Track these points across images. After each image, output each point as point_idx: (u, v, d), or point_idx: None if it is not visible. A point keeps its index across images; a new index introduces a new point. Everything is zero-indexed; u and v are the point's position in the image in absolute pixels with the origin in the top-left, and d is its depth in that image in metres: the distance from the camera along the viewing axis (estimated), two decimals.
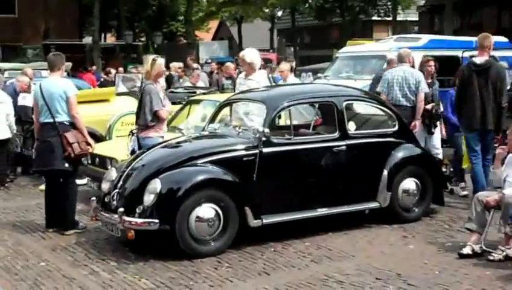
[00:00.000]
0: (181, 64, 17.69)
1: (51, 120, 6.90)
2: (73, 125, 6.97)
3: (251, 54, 8.09)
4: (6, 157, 10.01)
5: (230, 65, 12.01)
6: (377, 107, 7.41)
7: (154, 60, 7.35)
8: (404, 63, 8.53)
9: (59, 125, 6.88)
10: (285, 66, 11.35)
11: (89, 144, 7.07)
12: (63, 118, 6.91)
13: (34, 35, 33.75)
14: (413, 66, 8.80)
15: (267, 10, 45.10)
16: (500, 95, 7.51)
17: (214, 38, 53.51)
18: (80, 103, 10.60)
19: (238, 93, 7.81)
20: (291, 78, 10.83)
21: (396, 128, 7.25)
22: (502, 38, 14.11)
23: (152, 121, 7.17)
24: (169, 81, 16.20)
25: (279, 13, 46.07)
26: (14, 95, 10.03)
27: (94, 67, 26.20)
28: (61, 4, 35.27)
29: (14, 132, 9.94)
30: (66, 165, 6.89)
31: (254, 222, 6.20)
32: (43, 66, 18.66)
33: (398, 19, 36.90)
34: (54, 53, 7.36)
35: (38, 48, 31.70)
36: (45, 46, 31.75)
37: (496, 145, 7.40)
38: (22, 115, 10.40)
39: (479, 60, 7.57)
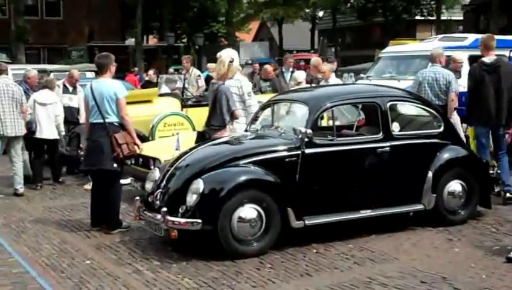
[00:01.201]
0: (214, 65, 17.76)
1: (101, 121, 7.00)
2: (122, 126, 7.06)
3: (231, 55, 7.76)
4: (58, 156, 10.24)
5: (268, 67, 11.89)
6: (422, 108, 7.30)
7: (231, 61, 7.53)
8: (435, 64, 8.84)
9: (109, 126, 6.98)
10: (326, 66, 11.27)
11: (136, 145, 7.16)
12: (112, 118, 7.01)
13: (79, 37, 34.40)
14: (445, 66, 9.03)
15: (308, 10, 44.95)
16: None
17: (254, 40, 53.61)
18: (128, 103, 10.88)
19: (281, 93, 7.79)
20: (332, 78, 10.76)
21: (441, 129, 7.13)
22: None
23: (230, 121, 7.29)
24: (209, 82, 16.28)
25: (320, 13, 45.82)
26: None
27: (136, 69, 26.54)
28: (104, 6, 35.87)
29: (62, 133, 10.14)
30: (115, 165, 6.99)
31: (296, 223, 6.17)
32: (87, 67, 19.05)
33: (442, 18, 36.35)
34: (102, 54, 7.41)
35: (83, 50, 32.28)
36: (89, 48, 32.33)
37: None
38: (68, 116, 10.60)
39: (488, 59, 7.96)
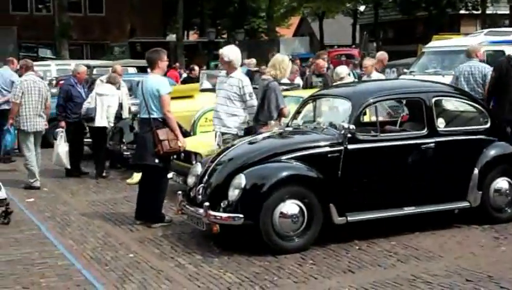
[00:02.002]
0: (254, 61, 17.76)
1: (147, 116, 7.10)
2: (166, 122, 7.10)
3: (230, 53, 7.71)
4: (105, 148, 10.42)
5: (321, 62, 11.66)
6: (468, 104, 7.15)
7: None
8: (472, 58, 8.94)
9: (153, 122, 7.05)
10: (369, 61, 11.15)
11: (178, 141, 7.17)
12: (156, 114, 7.08)
13: (120, 33, 34.79)
14: (483, 61, 9.19)
15: (349, 5, 44.55)
16: None
17: (294, 35, 53.45)
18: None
19: (323, 89, 7.73)
20: (374, 73, 10.64)
21: (488, 125, 6.98)
22: None
23: (277, 118, 7.32)
24: (251, 77, 16.29)
25: (362, 8, 45.35)
26: (72, 88, 10.40)
27: (178, 64, 26.72)
28: (146, 3, 36.19)
29: (111, 124, 10.29)
30: (156, 160, 7.05)
31: (338, 219, 6.13)
32: (129, 63, 19.27)
33: (487, 12, 35.58)
34: (152, 49, 7.44)
35: (125, 46, 32.67)
36: (131, 44, 32.72)
37: None
38: None
39: None
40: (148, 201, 7.22)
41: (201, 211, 6.12)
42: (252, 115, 7.59)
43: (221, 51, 7.83)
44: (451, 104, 7.34)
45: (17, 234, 6.96)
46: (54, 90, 15.81)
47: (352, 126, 6.20)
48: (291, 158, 6.19)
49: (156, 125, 7.04)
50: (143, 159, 7.13)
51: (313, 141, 6.39)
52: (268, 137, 6.87)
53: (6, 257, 6.12)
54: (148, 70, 7.74)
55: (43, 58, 30.65)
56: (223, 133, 7.66)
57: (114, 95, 10.40)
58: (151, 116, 7.06)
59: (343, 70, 10.40)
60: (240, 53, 7.76)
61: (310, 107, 7.28)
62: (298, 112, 7.29)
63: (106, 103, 10.19)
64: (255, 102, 7.61)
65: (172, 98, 10.87)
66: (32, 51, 34.42)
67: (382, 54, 11.57)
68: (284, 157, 6.20)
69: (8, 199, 7.20)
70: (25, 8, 36.36)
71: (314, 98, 7.31)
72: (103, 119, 10.16)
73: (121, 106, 11.04)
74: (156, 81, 7.16)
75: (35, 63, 21.68)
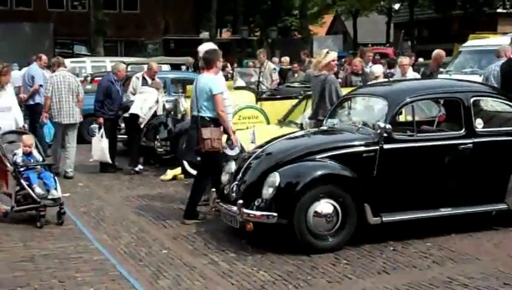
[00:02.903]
0: (287, 59, 17.72)
1: (196, 114, 7.20)
2: (215, 122, 7.11)
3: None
4: (139, 142, 10.55)
5: (357, 61, 11.54)
6: (506, 104, 7.01)
7: (328, 52, 7.79)
8: (501, 58, 9.03)
9: (200, 120, 7.12)
10: (405, 59, 11.01)
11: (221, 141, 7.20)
12: (205, 113, 7.13)
13: (154, 30, 35.04)
14: None
15: (383, 3, 44.17)
16: None
17: (328, 33, 53.19)
18: None
19: (358, 88, 7.67)
20: (410, 72, 10.51)
21: None
22: None
23: None
24: (284, 75, 16.27)
25: (397, 6, 44.90)
26: (111, 85, 10.53)
27: None
28: (180, 0, 36.39)
29: (143, 116, 10.38)
30: (198, 158, 7.09)
31: (373, 220, 6.07)
32: (163, 60, 19.40)
33: None
34: (210, 49, 7.54)
35: (158, 43, 32.92)
36: (164, 42, 32.96)
37: None
38: None
39: None
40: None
41: (235, 208, 6.13)
42: (230, 114, 7.55)
43: (198, 48, 7.90)
44: (490, 104, 7.22)
45: (53, 228, 7.05)
46: (89, 87, 16.05)
47: (388, 126, 6.13)
48: (326, 157, 6.15)
49: (203, 123, 7.07)
50: (186, 156, 7.23)
51: (348, 140, 6.34)
52: (303, 136, 6.85)
53: (42, 251, 6.21)
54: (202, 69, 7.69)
55: (78, 55, 31.11)
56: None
57: (152, 93, 10.57)
58: (200, 114, 7.12)
59: (378, 69, 10.32)
60: (219, 53, 7.64)
61: (345, 106, 7.22)
62: (333, 110, 7.23)
63: (144, 97, 10.39)
64: (227, 102, 7.38)
65: None
66: (68, 48, 34.94)
67: (438, 53, 11.11)
68: (318, 156, 6.17)
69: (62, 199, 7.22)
70: (61, 5, 36.89)
71: (349, 97, 7.25)
72: (136, 108, 10.30)
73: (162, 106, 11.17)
74: (210, 80, 7.17)
75: (70, 59, 22.10)
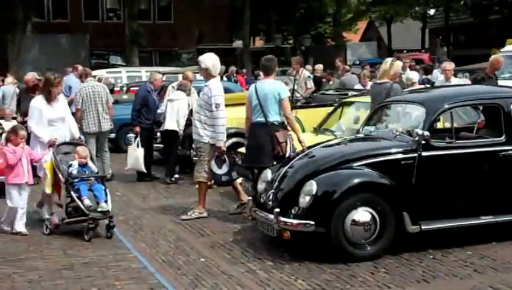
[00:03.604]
0: (321, 66, 17.67)
1: (263, 120, 7.30)
2: (282, 126, 7.34)
3: (207, 60, 7.79)
4: (176, 153, 10.59)
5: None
6: None
7: (393, 60, 7.96)
8: None
9: (270, 125, 7.26)
10: (449, 65, 10.86)
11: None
12: (274, 118, 7.31)
13: (188, 40, 35.32)
14: None
15: (418, 9, 43.72)
16: None
17: (362, 40, 52.91)
18: (231, 105, 11.06)
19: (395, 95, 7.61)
20: (453, 79, 10.38)
21: None
22: None
23: None
24: (318, 83, 16.22)
25: (432, 11, 44.39)
26: (148, 94, 10.65)
27: (244, 70, 26.91)
28: (214, 9, 36.67)
29: (181, 128, 10.47)
30: (275, 163, 7.18)
31: (412, 228, 6.01)
32: (197, 69, 19.50)
33: None
34: (268, 57, 7.80)
35: (192, 52, 33.15)
36: (198, 51, 33.17)
37: None
38: None
39: None
40: None
41: (271, 217, 6.13)
42: (220, 126, 7.60)
43: (199, 58, 7.98)
44: None
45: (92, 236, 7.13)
46: (125, 97, 16.27)
47: (426, 133, 6.06)
48: (363, 165, 6.12)
49: (274, 128, 7.25)
50: (260, 162, 7.29)
51: (386, 147, 6.29)
52: (339, 143, 6.82)
53: (82, 259, 6.29)
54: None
55: (113, 66, 31.50)
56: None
57: (183, 99, 10.57)
58: (268, 119, 7.28)
59: (414, 75, 10.20)
60: (218, 61, 7.80)
61: (381, 113, 7.17)
62: (370, 118, 7.19)
63: (176, 107, 10.38)
64: (221, 114, 7.62)
65: (241, 104, 11.07)
66: (103, 58, 35.41)
67: (495, 58, 10.79)
68: (355, 164, 6.14)
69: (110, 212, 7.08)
70: (97, 17, 37.45)
71: (386, 104, 7.20)
72: (172, 123, 10.34)
73: (191, 112, 11.19)
74: (276, 85, 7.41)
75: (106, 70, 22.40)
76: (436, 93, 7.16)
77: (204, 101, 7.71)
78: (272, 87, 7.37)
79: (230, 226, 7.48)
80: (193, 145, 10.74)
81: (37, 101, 7.72)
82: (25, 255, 6.48)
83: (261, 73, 18.67)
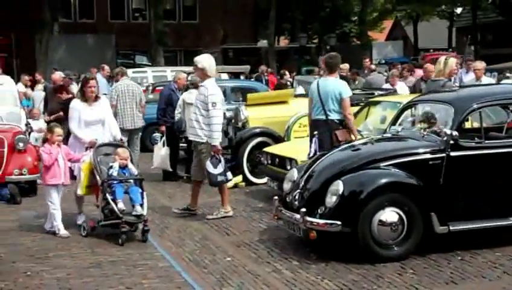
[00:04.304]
0: (347, 66, 17.52)
1: (323, 117, 7.39)
2: (342, 124, 7.41)
3: (203, 60, 7.85)
4: None
5: (430, 66, 11.24)
6: None
7: (446, 59, 7.99)
8: None
9: (330, 123, 7.35)
10: (480, 64, 10.73)
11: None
12: (334, 116, 7.41)
13: (213, 40, 35.37)
14: None
15: (445, 7, 43.25)
16: None
17: (387, 39, 52.54)
18: (259, 104, 11.07)
19: (423, 94, 7.56)
20: (484, 78, 10.24)
21: None
22: None
23: None
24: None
25: (459, 10, 43.86)
26: (173, 93, 10.75)
27: (269, 70, 26.89)
28: (239, 9, 36.67)
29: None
30: None
31: (440, 229, 5.95)
32: (222, 69, 19.59)
33: None
34: (332, 54, 8.02)
35: (217, 52, 33.23)
36: (223, 51, 33.26)
37: None
38: None
39: None
40: None
41: (297, 216, 6.11)
42: (215, 125, 7.60)
43: (195, 58, 8.04)
44: None
45: (111, 231, 7.13)
46: (151, 96, 16.35)
47: (455, 132, 6.00)
48: (390, 165, 6.08)
49: (334, 126, 7.36)
50: None
51: (413, 147, 6.24)
52: (366, 143, 6.77)
53: (109, 258, 6.34)
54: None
55: (139, 65, 31.70)
56: (194, 142, 7.87)
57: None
58: (329, 117, 7.39)
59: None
60: (213, 62, 7.91)
61: (409, 112, 7.10)
62: (397, 117, 7.13)
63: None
64: (216, 112, 7.64)
65: (267, 104, 11.09)
66: (129, 58, 35.65)
67: None
68: (382, 164, 6.10)
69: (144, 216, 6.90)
70: (123, 17, 37.68)
71: (414, 104, 7.13)
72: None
73: None
74: (338, 84, 7.51)
75: (132, 70, 22.58)
76: (464, 92, 7.07)
77: (201, 101, 7.76)
78: (334, 85, 7.48)
79: (256, 226, 7.49)
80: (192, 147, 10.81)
81: (76, 102, 7.75)
82: (53, 253, 6.55)
83: (286, 72, 18.61)
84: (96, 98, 7.70)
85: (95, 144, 7.35)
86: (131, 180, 7.08)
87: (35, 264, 6.15)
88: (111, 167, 7.08)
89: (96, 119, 7.62)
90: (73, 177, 7.45)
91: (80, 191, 7.29)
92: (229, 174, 7.92)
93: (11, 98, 11.63)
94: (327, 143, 7.28)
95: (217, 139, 7.69)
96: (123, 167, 7.13)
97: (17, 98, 11.82)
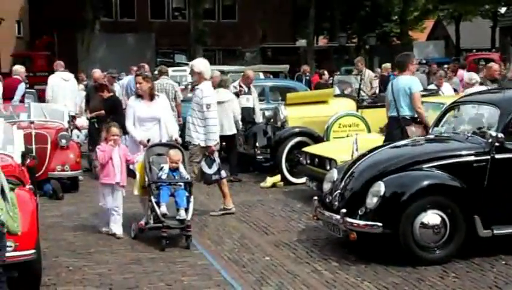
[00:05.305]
0: (389, 65, 17.32)
1: (395, 114, 7.51)
2: (414, 120, 7.46)
3: (200, 64, 7.97)
4: (236, 153, 10.64)
5: (494, 65, 10.86)
6: None
7: None
8: None
9: (401, 120, 7.44)
10: None
11: None
12: (405, 112, 7.48)
13: (252, 39, 35.43)
14: None
15: (488, 7, 42.42)
16: None
17: (429, 38, 51.80)
18: (298, 104, 11.01)
19: (467, 95, 7.44)
20: None
21: None
22: None
23: None
24: (385, 83, 15.98)
25: (503, 10, 42.97)
26: None
27: (317, 70, 26.76)
28: (278, 8, 36.65)
29: (240, 128, 10.50)
30: None
31: (484, 232, 5.83)
32: (261, 68, 19.60)
33: None
34: (403, 53, 8.31)
35: (256, 51, 33.26)
36: (262, 50, 33.27)
37: None
38: (245, 116, 10.99)
39: None
40: None
41: (337, 217, 6.06)
42: (211, 126, 7.69)
43: (191, 62, 8.26)
44: None
45: (159, 233, 7.21)
46: (190, 95, 16.44)
47: (501, 134, 5.88)
48: (433, 167, 5.99)
49: (405, 122, 7.40)
50: None
51: (457, 149, 6.14)
52: (409, 144, 6.69)
53: (149, 254, 6.39)
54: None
55: (178, 64, 31.93)
56: (190, 143, 7.89)
57: (232, 100, 10.42)
58: (400, 114, 7.45)
59: (473, 76, 9.92)
60: (208, 65, 8.05)
61: (453, 114, 6.98)
62: (440, 118, 7.01)
63: (229, 110, 10.23)
64: (211, 114, 7.72)
65: (307, 103, 11.04)
66: (168, 57, 35.91)
67: None
68: (425, 165, 6.02)
69: (187, 221, 6.64)
70: (163, 16, 38.05)
71: (458, 105, 7.01)
72: (230, 127, 10.25)
73: (253, 110, 11.25)
74: (408, 80, 7.59)
75: (171, 68, 22.77)
76: (511, 93, 6.92)
77: (196, 103, 7.85)
78: (405, 82, 7.55)
79: (295, 226, 7.46)
80: (257, 144, 10.82)
81: (131, 99, 7.84)
82: (95, 248, 6.64)
83: (325, 72, 18.49)
84: (153, 96, 7.60)
85: (145, 145, 7.26)
86: (180, 184, 6.87)
87: (77, 259, 6.24)
88: (161, 169, 6.92)
89: (150, 117, 7.48)
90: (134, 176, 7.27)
91: (135, 192, 7.16)
92: (223, 173, 8.09)
93: (72, 95, 12.46)
94: (399, 139, 7.21)
95: (213, 141, 7.78)
96: (173, 170, 6.91)
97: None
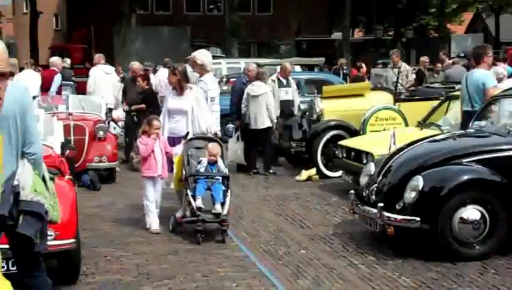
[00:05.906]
0: (427, 59, 17.05)
1: (470, 109, 7.45)
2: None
3: (202, 56, 7.94)
4: (273, 146, 10.62)
5: None
6: None
7: None
8: None
9: (473, 114, 7.25)
10: None
11: None
12: (478, 107, 7.34)
13: (287, 31, 35.33)
14: None
15: None
16: None
17: (467, 31, 50.89)
18: (334, 97, 10.95)
19: (508, 89, 7.27)
20: None
21: None
22: None
23: None
24: (421, 76, 15.77)
25: None
26: (244, 86, 10.69)
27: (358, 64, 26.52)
28: (313, 1, 36.45)
29: (274, 122, 10.48)
30: None
31: None
32: (297, 61, 19.50)
33: None
34: (479, 45, 8.37)
35: (291, 44, 33.15)
36: (297, 43, 33.16)
37: None
38: (285, 109, 10.99)
39: None
40: None
41: (374, 211, 6.01)
42: (215, 119, 7.67)
43: (193, 54, 8.21)
44: None
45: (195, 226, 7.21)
46: (225, 88, 16.49)
47: None
48: (473, 161, 5.89)
49: None
50: None
51: (498, 144, 6.05)
52: (447, 138, 6.60)
53: (186, 246, 6.43)
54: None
55: (213, 57, 31.98)
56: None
57: (267, 93, 10.40)
58: (474, 108, 7.36)
59: (498, 70, 9.71)
60: (211, 57, 8.10)
61: (493, 108, 6.85)
62: (481, 112, 6.90)
63: (264, 103, 10.24)
64: (215, 107, 7.76)
65: (343, 96, 10.96)
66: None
67: None
68: (465, 160, 5.92)
69: (223, 215, 6.57)
70: (198, 9, 38.16)
71: (498, 99, 6.88)
72: (265, 120, 10.26)
73: (292, 103, 11.22)
74: (482, 74, 7.51)
75: None
76: None
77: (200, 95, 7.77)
78: (479, 76, 7.47)
79: (331, 219, 7.43)
80: (293, 137, 10.78)
81: (167, 92, 7.91)
82: (132, 239, 6.71)
83: (363, 65, 18.30)
84: (183, 88, 7.40)
85: (171, 156, 7.08)
86: (218, 177, 6.81)
87: (114, 249, 6.32)
88: (200, 162, 6.87)
89: (178, 109, 7.37)
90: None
91: (173, 185, 7.18)
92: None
93: (112, 88, 12.64)
94: None
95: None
96: (212, 163, 6.85)
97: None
